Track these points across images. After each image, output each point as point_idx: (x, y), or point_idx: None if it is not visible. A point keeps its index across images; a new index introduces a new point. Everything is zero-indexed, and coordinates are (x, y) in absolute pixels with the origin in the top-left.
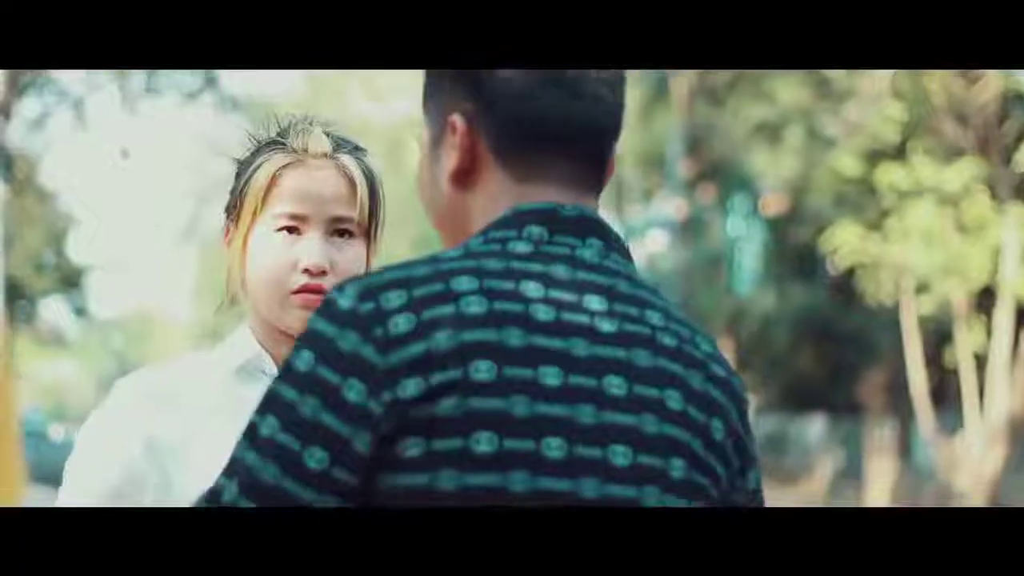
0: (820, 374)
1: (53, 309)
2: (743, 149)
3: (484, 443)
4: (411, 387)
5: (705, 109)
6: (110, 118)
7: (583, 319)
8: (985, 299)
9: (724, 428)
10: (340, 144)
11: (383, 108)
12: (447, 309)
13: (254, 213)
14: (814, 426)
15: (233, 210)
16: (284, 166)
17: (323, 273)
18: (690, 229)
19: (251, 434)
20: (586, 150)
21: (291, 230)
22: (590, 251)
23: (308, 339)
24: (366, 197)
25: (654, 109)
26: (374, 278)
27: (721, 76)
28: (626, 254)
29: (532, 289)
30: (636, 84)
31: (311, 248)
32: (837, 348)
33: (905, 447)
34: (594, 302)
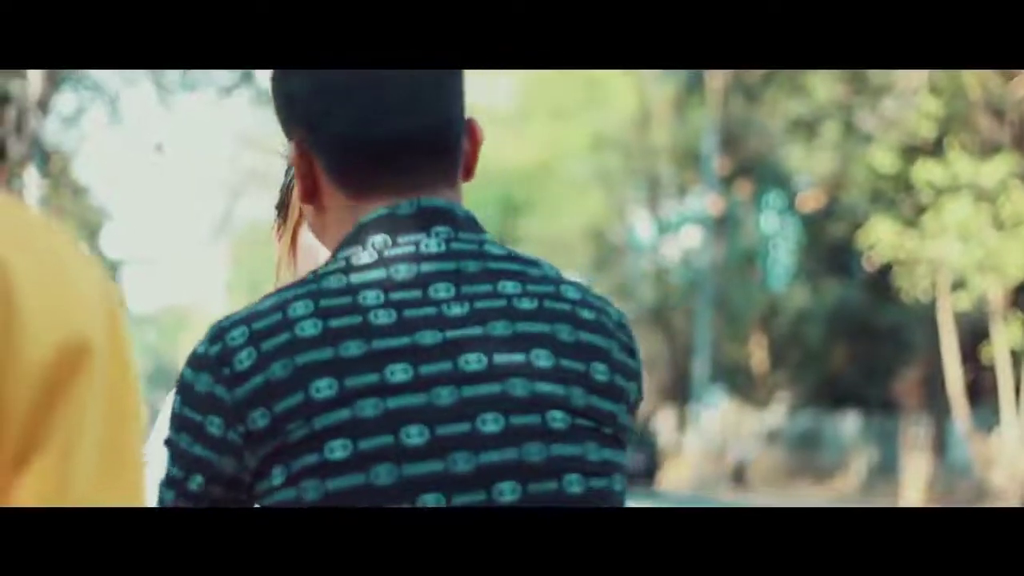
0: (854, 371)
1: None
2: (779, 145)
3: (339, 450)
4: (259, 419)
5: (740, 105)
6: (145, 113)
7: (429, 311)
8: (1022, 295)
9: (608, 367)
10: None
11: None
12: (283, 338)
13: (300, 212)
14: (848, 423)
15: (283, 206)
16: None
17: None
18: (725, 225)
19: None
20: (415, 152)
21: None
22: (435, 240)
23: (177, 385)
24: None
25: (688, 105)
26: (224, 320)
27: (756, 71)
28: (477, 228)
29: (371, 298)
30: (670, 80)
31: None
32: (872, 345)
33: (940, 444)
34: (440, 290)
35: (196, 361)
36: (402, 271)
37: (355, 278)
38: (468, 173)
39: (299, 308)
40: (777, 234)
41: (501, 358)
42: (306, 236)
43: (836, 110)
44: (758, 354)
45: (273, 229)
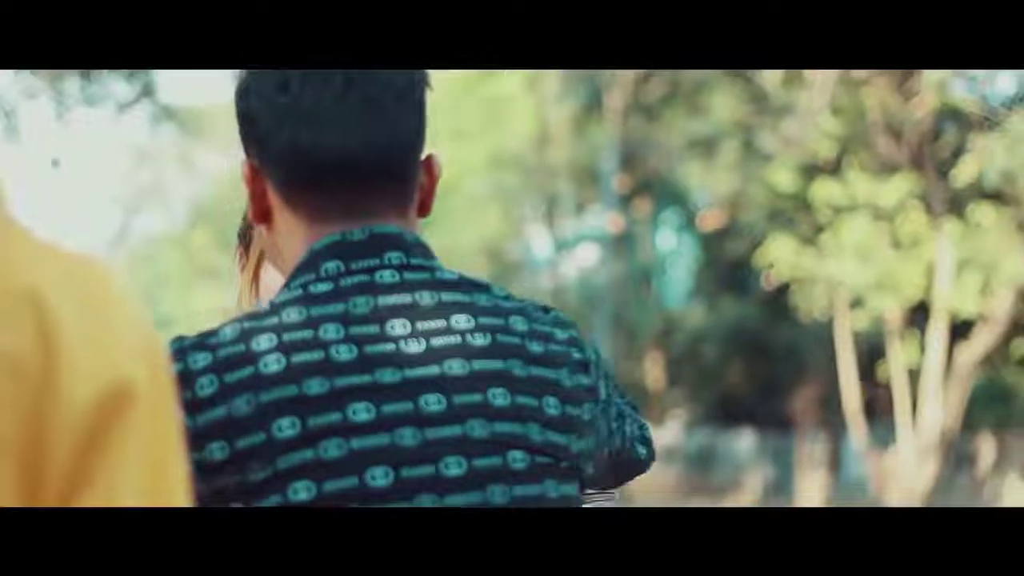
0: (751, 389)
1: None
2: (678, 164)
3: (302, 492)
4: (217, 451)
5: (640, 123)
6: (43, 128)
7: (388, 348)
8: (919, 314)
9: (559, 400)
10: None
11: None
12: (247, 371)
13: None
14: (744, 441)
15: (245, 236)
16: None
17: None
18: (624, 243)
19: None
20: (364, 177)
21: None
22: (389, 271)
23: None
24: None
25: (588, 123)
26: (185, 339)
27: (656, 90)
28: (428, 253)
29: (331, 332)
30: (570, 98)
31: None
32: (768, 363)
33: (836, 462)
34: (397, 327)
35: None
36: (360, 305)
37: (315, 311)
38: (423, 208)
39: (263, 342)
40: (675, 252)
41: (460, 399)
42: (269, 268)
43: (736, 129)
44: (654, 372)
45: (235, 258)
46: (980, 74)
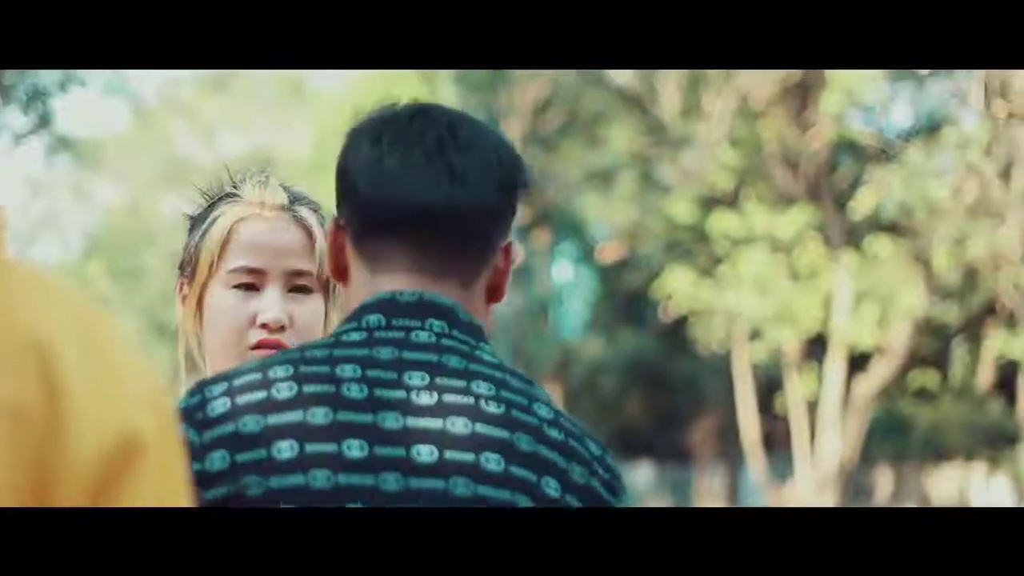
0: (649, 421)
1: None
2: (576, 195)
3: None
4: (217, 460)
5: (537, 154)
6: None
7: (398, 394)
8: (817, 346)
9: (562, 485)
10: (296, 198)
11: (209, 147)
12: (259, 395)
13: (211, 267)
14: (642, 473)
15: (188, 265)
16: (241, 219)
17: (282, 328)
18: (522, 274)
19: None
20: (436, 234)
21: (248, 287)
22: (426, 333)
23: None
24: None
25: None
26: (207, 378)
27: (553, 121)
28: (475, 334)
29: (348, 371)
30: None
31: (270, 303)
32: (666, 395)
33: (734, 494)
34: (415, 378)
35: (178, 415)
36: (384, 353)
37: (339, 352)
38: (494, 293)
39: (279, 371)
40: (573, 284)
41: (452, 455)
42: (213, 297)
43: (634, 161)
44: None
45: (175, 289)
46: (877, 106)
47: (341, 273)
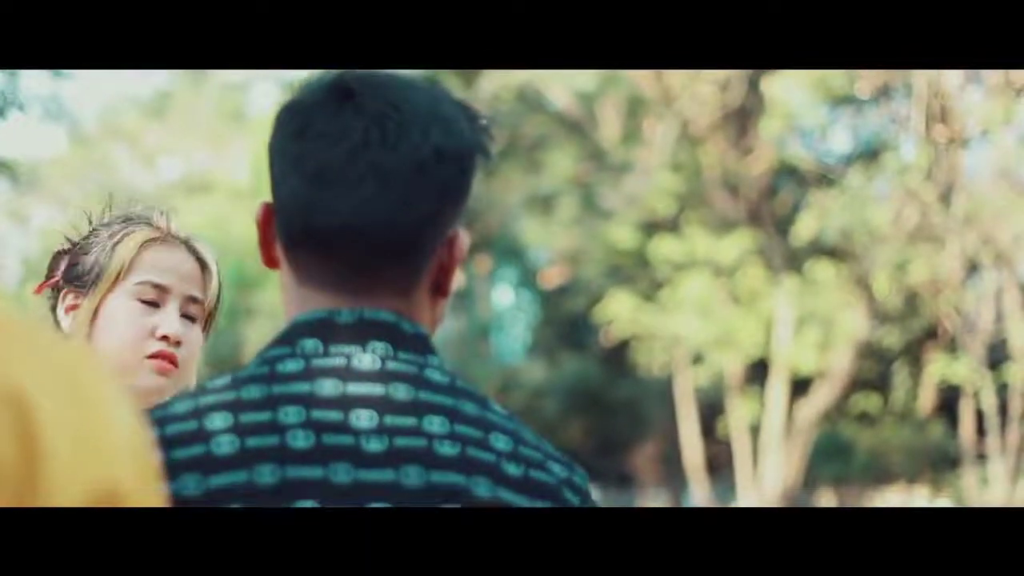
0: (591, 445)
1: None
2: (516, 220)
3: None
4: None
5: (477, 180)
6: None
7: (346, 440)
8: (759, 370)
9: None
10: (190, 235)
11: (152, 173)
12: (197, 450)
13: (114, 281)
14: None
15: (84, 276)
16: (149, 240)
17: (178, 344)
18: (462, 299)
19: None
20: (365, 250)
21: (151, 302)
22: (369, 357)
23: None
24: (217, 283)
25: None
26: None
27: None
28: (421, 347)
29: (291, 415)
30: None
31: (171, 318)
32: (608, 419)
33: None
34: (363, 419)
35: None
36: (327, 387)
37: (277, 389)
38: (440, 289)
39: (216, 420)
40: (514, 308)
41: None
42: (113, 306)
43: (575, 186)
44: None
45: (60, 300)
46: (816, 131)
47: (273, 262)
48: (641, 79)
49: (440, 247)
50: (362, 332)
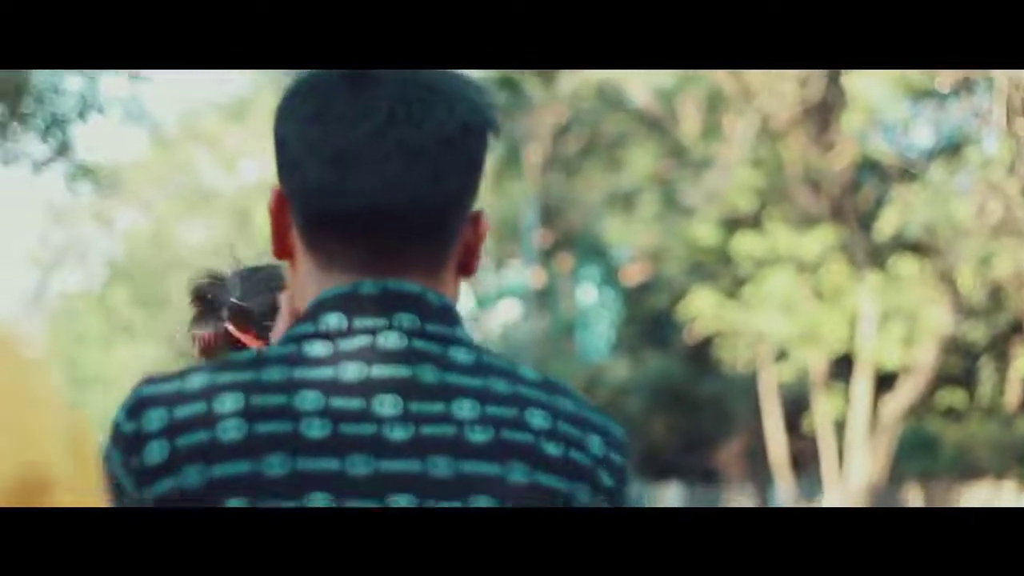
0: (676, 442)
1: None
2: (598, 218)
3: None
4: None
5: (559, 178)
6: None
7: (367, 430)
8: (843, 366)
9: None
10: None
11: (232, 176)
12: (202, 436)
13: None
14: (670, 494)
15: (267, 318)
16: None
17: None
18: (546, 298)
19: None
20: (392, 230)
21: None
22: (395, 334)
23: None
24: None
25: (507, 177)
26: (146, 388)
27: (573, 144)
28: (450, 319)
29: (308, 401)
30: (488, 154)
31: None
32: (693, 416)
33: None
34: (387, 405)
35: (113, 433)
36: (350, 371)
37: (299, 373)
38: (466, 269)
39: (227, 401)
40: (597, 306)
41: (434, 504)
42: None
43: (655, 183)
44: None
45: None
46: (898, 125)
47: (287, 253)
48: (720, 75)
49: (465, 225)
50: (387, 304)
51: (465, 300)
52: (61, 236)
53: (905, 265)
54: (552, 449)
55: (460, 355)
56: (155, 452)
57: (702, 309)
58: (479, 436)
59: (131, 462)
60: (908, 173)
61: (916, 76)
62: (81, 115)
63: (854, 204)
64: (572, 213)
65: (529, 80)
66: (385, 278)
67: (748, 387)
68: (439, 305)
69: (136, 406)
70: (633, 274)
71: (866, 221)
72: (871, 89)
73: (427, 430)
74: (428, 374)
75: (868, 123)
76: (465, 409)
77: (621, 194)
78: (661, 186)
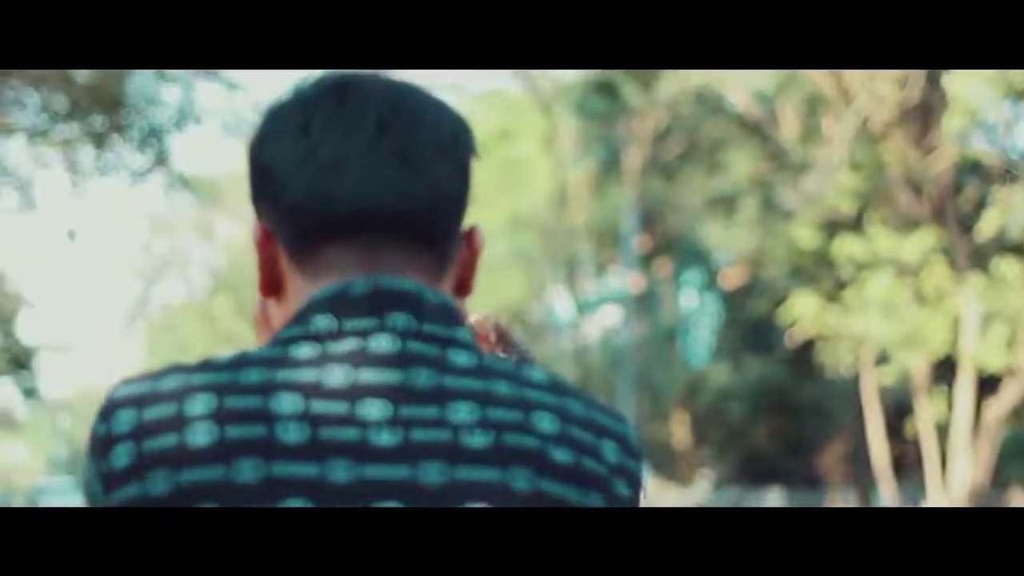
0: (777, 447)
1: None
2: (698, 222)
3: None
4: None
5: (658, 182)
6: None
7: (350, 435)
8: (945, 369)
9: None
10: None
11: None
12: (170, 440)
13: None
14: (772, 499)
15: None
16: None
17: None
18: (645, 303)
19: None
20: (393, 235)
21: None
22: (388, 336)
23: None
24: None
25: (606, 183)
26: (119, 390)
27: (673, 148)
28: (448, 319)
29: (285, 404)
30: (587, 158)
31: None
32: (794, 420)
33: None
34: (373, 409)
35: (89, 438)
36: (336, 375)
37: (280, 375)
38: (463, 287)
39: (197, 403)
40: (698, 311)
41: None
42: None
43: (755, 187)
44: (680, 432)
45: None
46: (999, 126)
47: (275, 288)
48: (819, 77)
49: (461, 240)
50: (380, 303)
51: (565, 306)
52: (162, 247)
53: (1007, 267)
54: (561, 456)
55: (460, 358)
56: (121, 456)
57: (803, 313)
58: (478, 440)
59: (101, 466)
60: (1009, 174)
61: (1017, 76)
62: (178, 125)
63: (955, 206)
64: (672, 218)
65: (628, 85)
66: (378, 276)
67: (850, 391)
68: (437, 304)
69: (108, 408)
70: (732, 278)
71: (967, 223)
72: (971, 90)
73: (418, 434)
74: (423, 377)
75: (969, 124)
76: (463, 412)
77: (721, 198)
78: (761, 189)
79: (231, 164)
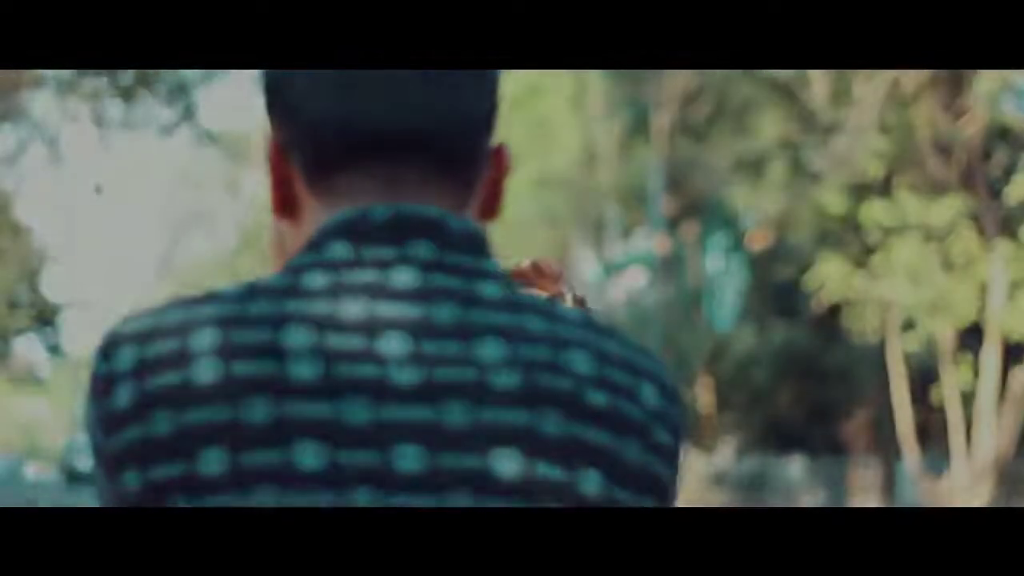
0: (801, 413)
1: (26, 347)
2: (725, 185)
3: None
4: (130, 480)
5: (686, 144)
6: (85, 152)
7: (367, 371)
8: (972, 336)
9: (604, 478)
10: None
11: None
12: (172, 378)
13: None
14: (795, 466)
15: None
16: None
17: None
18: (671, 265)
19: None
20: (418, 154)
21: None
22: (408, 268)
23: None
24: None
25: (634, 144)
26: (120, 326)
27: (701, 110)
28: (476, 247)
29: (297, 338)
30: (615, 118)
31: None
32: (819, 386)
33: (889, 486)
34: (393, 343)
35: (90, 380)
36: (353, 308)
37: (291, 306)
38: (489, 209)
39: (203, 337)
40: (724, 274)
41: (448, 460)
42: None
43: (783, 149)
44: (704, 396)
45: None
46: None
47: (289, 209)
48: None
49: (489, 158)
50: (401, 231)
51: (590, 267)
52: (189, 202)
53: None
54: (596, 398)
55: (487, 289)
56: (123, 395)
57: (829, 277)
58: (505, 380)
59: (101, 409)
60: None
61: None
62: (205, 80)
63: (984, 171)
64: (699, 179)
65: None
66: (399, 203)
67: (875, 357)
68: (463, 231)
69: (109, 345)
70: (758, 239)
71: (996, 188)
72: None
73: (442, 372)
74: (446, 311)
75: (1000, 88)
76: (490, 349)
77: (749, 160)
78: (788, 151)
79: (259, 119)
